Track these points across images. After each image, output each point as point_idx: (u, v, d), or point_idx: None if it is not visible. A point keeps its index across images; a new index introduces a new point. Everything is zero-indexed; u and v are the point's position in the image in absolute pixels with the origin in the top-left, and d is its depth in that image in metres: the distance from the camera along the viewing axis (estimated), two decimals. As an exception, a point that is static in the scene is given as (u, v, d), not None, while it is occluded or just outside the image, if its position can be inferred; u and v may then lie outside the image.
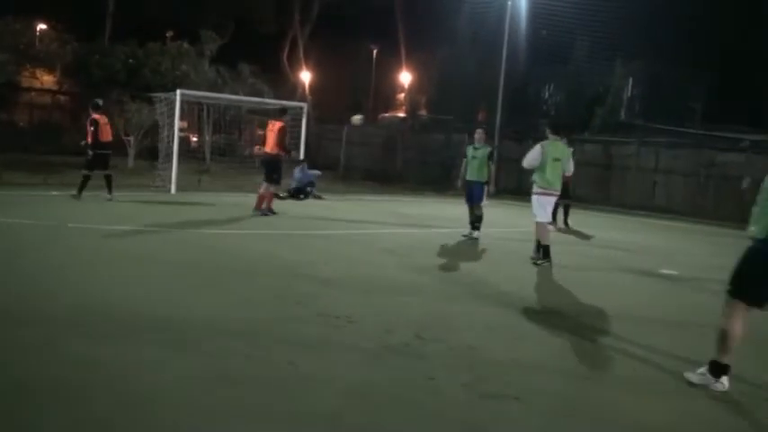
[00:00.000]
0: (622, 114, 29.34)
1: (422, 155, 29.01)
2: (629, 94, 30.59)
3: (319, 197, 18.55)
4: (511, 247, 12.08)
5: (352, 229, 13.13)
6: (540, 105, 34.15)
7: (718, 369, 4.99)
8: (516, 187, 21.63)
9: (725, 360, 4.97)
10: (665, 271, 10.44)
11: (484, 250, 11.41)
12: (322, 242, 11.13)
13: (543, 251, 10.18)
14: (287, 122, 14.43)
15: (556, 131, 10.51)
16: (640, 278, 9.98)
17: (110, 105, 23.36)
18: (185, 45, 26.91)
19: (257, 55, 31.52)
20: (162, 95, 19.44)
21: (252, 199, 13.94)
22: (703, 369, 5.06)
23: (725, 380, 4.97)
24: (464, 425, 4.12)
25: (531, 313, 7.16)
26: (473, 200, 12.45)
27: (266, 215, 13.47)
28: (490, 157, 12.47)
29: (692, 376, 5.08)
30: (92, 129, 14.01)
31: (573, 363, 5.49)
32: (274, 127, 13.73)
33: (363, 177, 27.28)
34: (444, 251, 11.05)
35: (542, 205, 10.22)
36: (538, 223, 10.29)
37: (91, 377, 4.40)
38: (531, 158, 10.20)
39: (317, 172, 19.26)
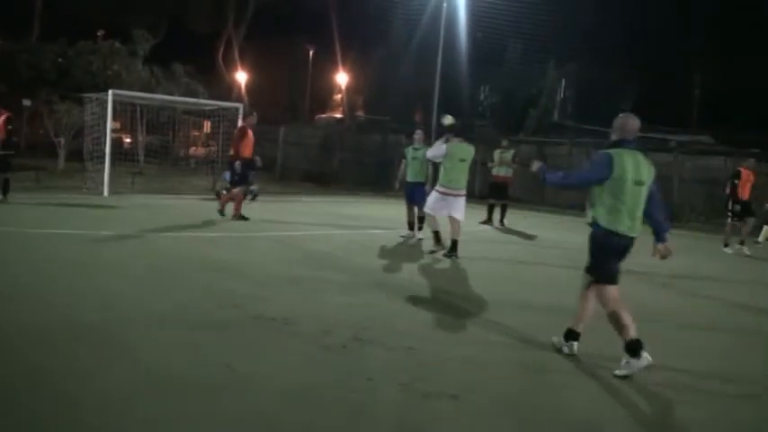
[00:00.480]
0: (555, 116, 29.94)
1: (359, 155, 29.02)
2: (562, 95, 31.23)
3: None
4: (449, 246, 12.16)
5: (290, 231, 13.04)
6: (476, 106, 34.59)
7: (633, 348, 5.18)
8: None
9: (631, 336, 5.23)
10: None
11: (422, 251, 11.47)
12: (260, 243, 11.03)
13: (434, 237, 10.98)
14: (251, 125, 14.06)
15: (458, 133, 11.01)
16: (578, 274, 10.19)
17: (39, 105, 22.82)
18: (117, 44, 26.35)
19: (192, 55, 31.17)
20: (93, 96, 18.97)
21: (188, 201, 13.71)
22: (624, 359, 5.22)
23: (646, 354, 5.16)
24: (401, 425, 4.14)
25: (470, 312, 7.24)
26: (415, 201, 12.49)
27: (244, 219, 13.32)
28: (429, 157, 12.59)
29: (620, 371, 5.22)
30: (9, 127, 13.50)
31: (512, 360, 5.54)
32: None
33: (300, 178, 27.17)
34: (382, 252, 11.07)
35: (437, 200, 10.77)
36: (427, 214, 11.04)
37: (36, 383, 4.29)
38: (434, 152, 10.95)
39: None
